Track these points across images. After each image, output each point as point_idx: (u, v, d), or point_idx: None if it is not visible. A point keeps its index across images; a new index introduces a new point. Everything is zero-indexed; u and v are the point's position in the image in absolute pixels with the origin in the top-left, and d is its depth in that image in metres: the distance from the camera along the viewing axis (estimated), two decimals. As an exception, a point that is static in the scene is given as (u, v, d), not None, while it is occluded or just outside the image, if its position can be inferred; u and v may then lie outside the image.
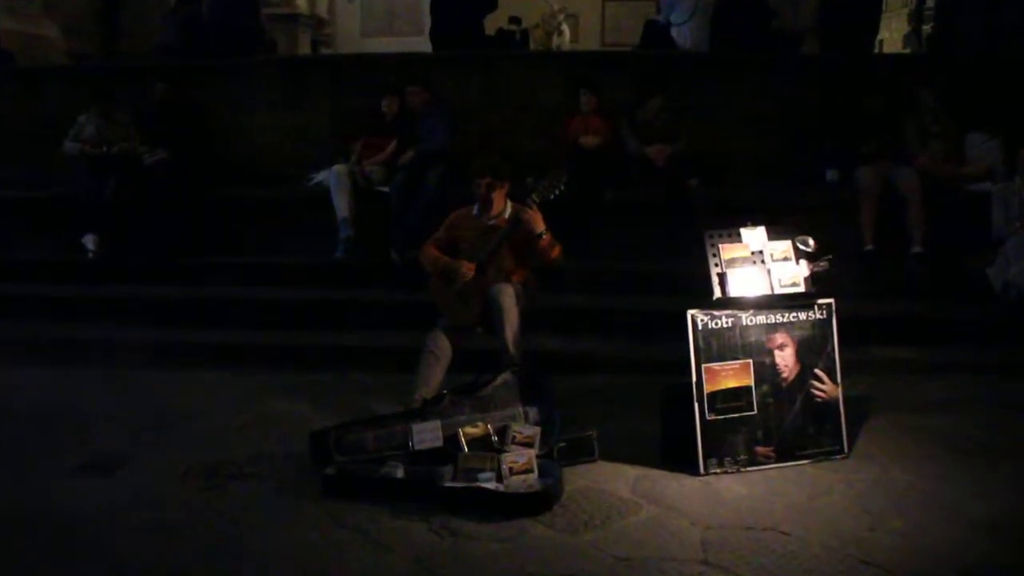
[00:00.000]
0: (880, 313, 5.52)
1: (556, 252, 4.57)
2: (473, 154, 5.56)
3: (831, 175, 6.54)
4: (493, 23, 8.69)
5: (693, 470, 3.82)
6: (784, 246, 4.06)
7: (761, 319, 3.95)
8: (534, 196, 4.54)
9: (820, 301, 4.01)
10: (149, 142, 6.78)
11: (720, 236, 4.04)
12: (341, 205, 6.34)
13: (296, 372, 5.33)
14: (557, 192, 4.58)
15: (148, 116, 6.98)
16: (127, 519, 3.52)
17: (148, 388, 5.12)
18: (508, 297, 4.43)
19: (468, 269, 4.54)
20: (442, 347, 4.49)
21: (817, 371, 3.98)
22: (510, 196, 4.74)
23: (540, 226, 4.51)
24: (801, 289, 4.02)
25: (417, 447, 3.91)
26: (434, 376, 4.43)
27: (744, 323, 3.93)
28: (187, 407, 4.79)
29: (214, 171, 6.93)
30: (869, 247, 5.98)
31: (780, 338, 3.95)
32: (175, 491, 3.78)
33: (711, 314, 3.90)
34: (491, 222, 4.69)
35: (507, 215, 4.67)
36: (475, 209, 4.76)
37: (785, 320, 3.97)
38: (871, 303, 5.54)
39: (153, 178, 6.61)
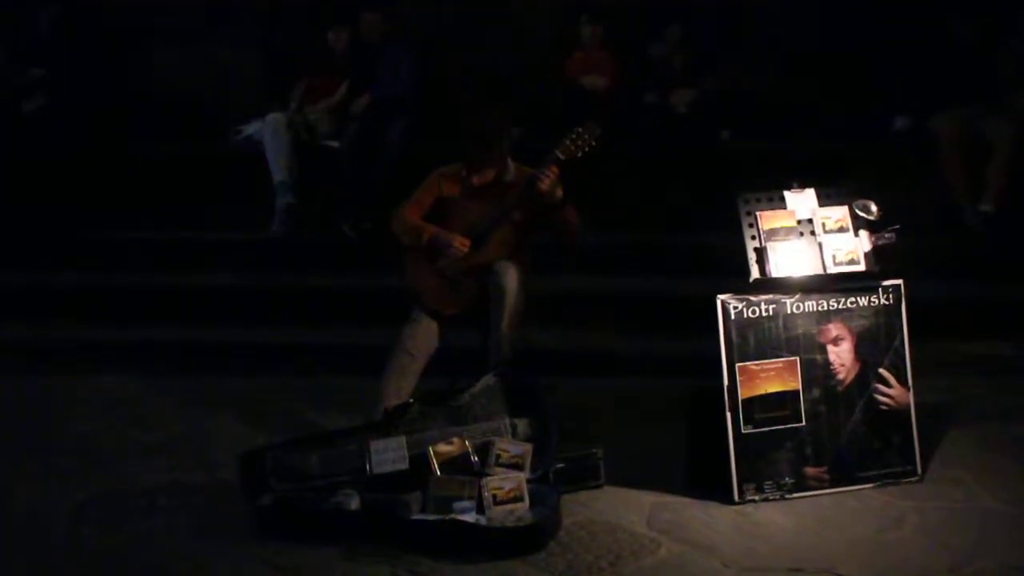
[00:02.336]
0: (963, 297, 5.53)
1: (574, 227, 4.60)
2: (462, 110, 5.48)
3: (900, 123, 6.54)
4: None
5: (725, 497, 3.82)
6: (839, 213, 4.05)
7: (811, 305, 3.94)
8: (558, 153, 4.51)
9: (886, 283, 4.01)
10: (35, 84, 6.73)
11: (759, 201, 4.03)
12: (278, 165, 6.31)
13: (222, 377, 5.32)
14: (587, 149, 4.56)
15: (33, 50, 6.92)
16: (2, 568, 3.50)
17: (32, 400, 5.10)
18: (515, 279, 4.42)
19: (462, 244, 4.51)
20: (420, 343, 4.48)
21: (882, 371, 3.98)
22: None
23: (559, 194, 4.49)
24: (861, 267, 4.01)
25: (376, 470, 3.90)
26: (407, 382, 4.42)
27: (789, 311, 3.92)
28: (82, 423, 4.78)
29: (116, 121, 6.87)
30: (985, 207, 5.97)
31: (835, 330, 3.96)
32: (66, 531, 3.75)
33: (747, 299, 3.90)
34: (488, 185, 4.68)
35: (510, 176, 4.66)
36: (466, 168, 4.73)
37: (841, 307, 3.96)
38: (951, 284, 5.55)
39: (35, 130, 6.56)
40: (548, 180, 4.42)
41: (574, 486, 3.92)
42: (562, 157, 4.50)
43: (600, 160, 6.14)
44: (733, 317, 3.87)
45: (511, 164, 4.68)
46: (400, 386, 4.39)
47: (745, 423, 3.85)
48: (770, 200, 4.04)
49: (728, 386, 3.84)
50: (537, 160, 4.62)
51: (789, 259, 3.97)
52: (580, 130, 4.55)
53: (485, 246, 4.52)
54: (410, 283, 4.66)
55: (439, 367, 4.51)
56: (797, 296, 3.94)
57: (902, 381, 3.99)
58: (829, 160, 5.82)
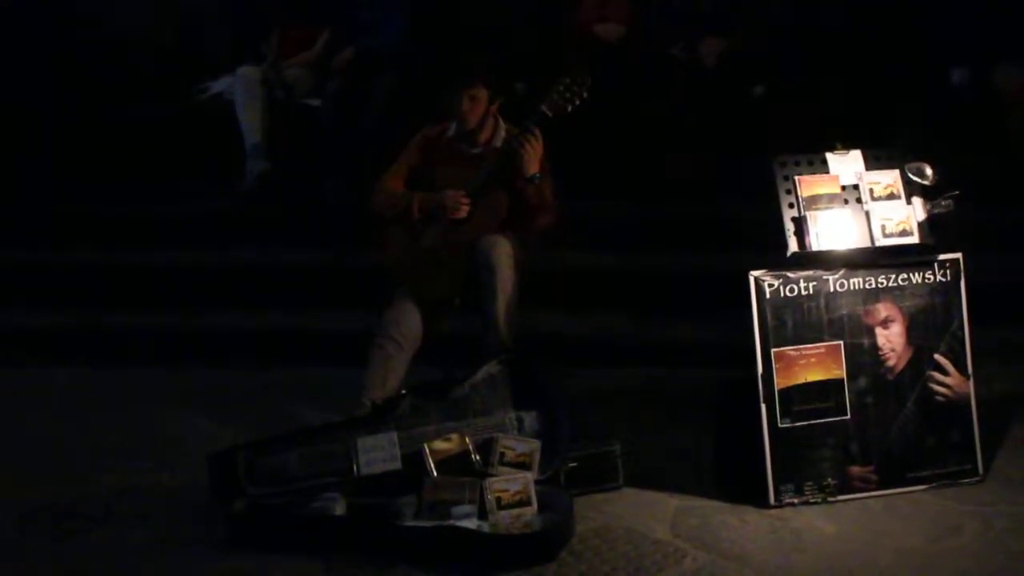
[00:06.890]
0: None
1: (546, 210, 4.59)
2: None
3: (959, 76, 6.52)
4: None
5: (760, 500, 3.84)
6: (889, 178, 4.05)
7: (856, 283, 3.95)
8: (544, 109, 4.52)
9: (942, 257, 4.01)
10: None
11: (797, 164, 4.03)
12: (251, 126, 6.33)
13: (189, 369, 5.36)
14: (578, 102, 4.56)
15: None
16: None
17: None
18: (504, 254, 4.44)
19: (456, 200, 4.53)
20: (406, 331, 4.51)
21: (938, 357, 3.99)
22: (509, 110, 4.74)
23: (534, 165, 4.50)
24: (915, 239, 4.01)
25: (365, 471, 3.92)
26: (393, 373, 4.45)
27: (832, 289, 3.93)
28: (29, 422, 4.81)
29: (63, 76, 6.88)
30: None
31: (884, 310, 3.96)
32: (11, 543, 3.78)
33: (784, 276, 3.91)
34: (476, 150, 4.69)
35: (500, 139, 4.68)
36: (452, 129, 4.76)
37: (891, 284, 3.97)
38: (1018, 259, 5.54)
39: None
40: (527, 143, 4.45)
41: (588, 488, 3.94)
42: (549, 114, 4.51)
43: (615, 121, 6.21)
44: (768, 296, 3.88)
45: (502, 125, 4.70)
46: (386, 377, 4.42)
47: (782, 416, 3.86)
48: (810, 163, 4.04)
49: (763, 375, 3.85)
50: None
51: (832, 230, 3.97)
52: (568, 81, 4.54)
53: (471, 217, 4.54)
54: (389, 263, 4.71)
55: (434, 355, 4.54)
56: (841, 272, 3.95)
57: (961, 369, 3.99)
58: (878, 118, 5.80)
